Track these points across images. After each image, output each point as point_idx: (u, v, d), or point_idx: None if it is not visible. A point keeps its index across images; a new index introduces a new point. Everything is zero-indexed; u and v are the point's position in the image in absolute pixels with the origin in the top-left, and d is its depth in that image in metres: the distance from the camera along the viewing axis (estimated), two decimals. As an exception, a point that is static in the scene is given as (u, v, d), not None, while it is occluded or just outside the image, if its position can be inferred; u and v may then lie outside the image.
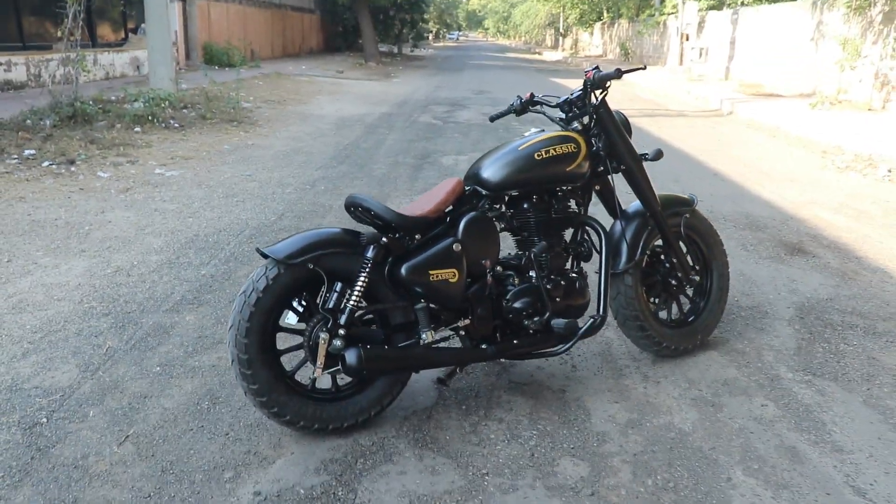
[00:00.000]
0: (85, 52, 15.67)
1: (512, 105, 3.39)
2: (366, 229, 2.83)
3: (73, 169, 7.36)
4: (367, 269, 2.70)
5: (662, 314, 3.58)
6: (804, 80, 16.52)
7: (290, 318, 2.80)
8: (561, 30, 51.10)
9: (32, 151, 7.77)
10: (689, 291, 3.60)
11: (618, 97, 16.02)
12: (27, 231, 5.42)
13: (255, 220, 5.90)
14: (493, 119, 3.51)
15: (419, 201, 2.97)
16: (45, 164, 7.42)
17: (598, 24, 40.73)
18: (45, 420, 2.95)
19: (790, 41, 17.28)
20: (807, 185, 7.79)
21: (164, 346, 3.65)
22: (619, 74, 2.99)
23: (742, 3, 22.39)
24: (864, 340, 3.80)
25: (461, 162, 8.57)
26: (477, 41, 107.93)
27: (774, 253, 5.34)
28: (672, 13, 25.25)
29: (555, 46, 54.85)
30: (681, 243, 3.48)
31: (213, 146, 9.19)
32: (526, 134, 3.18)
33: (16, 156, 7.59)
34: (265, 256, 2.68)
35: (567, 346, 3.03)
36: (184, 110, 11.43)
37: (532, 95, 3.34)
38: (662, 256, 3.47)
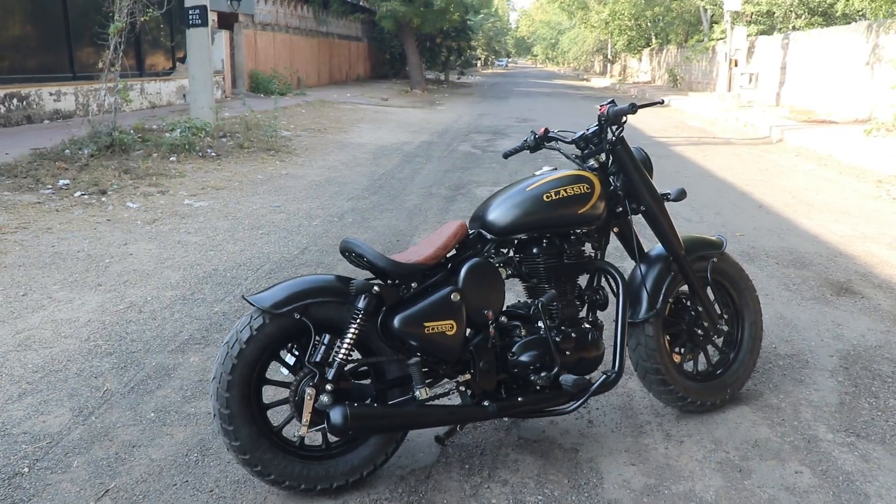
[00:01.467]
0: (131, 82, 16.09)
1: (525, 141, 3.19)
2: (365, 275, 2.66)
3: (103, 199, 7.37)
4: (358, 321, 2.51)
5: (689, 365, 3.32)
6: (859, 105, 15.97)
7: (283, 370, 2.63)
8: (609, 56, 50.76)
9: (67, 181, 7.82)
10: (718, 341, 3.32)
11: (663, 125, 15.70)
12: (48, 263, 5.38)
13: (278, 253, 5.78)
14: (506, 156, 3.31)
15: (419, 246, 2.78)
16: (77, 194, 7.44)
17: (646, 51, 40.35)
18: (26, 470, 2.81)
19: (844, 66, 16.76)
20: (858, 217, 7.39)
21: (163, 389, 3.50)
22: (633, 110, 2.77)
23: (793, 28, 21.92)
24: (916, 395, 3.48)
25: (495, 192, 8.36)
26: (525, 68, 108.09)
27: (819, 293, 5.01)
28: (721, 38, 24.80)
29: (603, 73, 54.52)
30: (709, 289, 3.21)
31: (247, 176, 9.16)
32: (537, 173, 2.97)
33: (50, 186, 7.64)
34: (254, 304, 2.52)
35: (577, 404, 2.79)
36: (222, 139, 11.49)
37: (546, 131, 3.14)
38: (688, 303, 3.21)
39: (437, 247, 2.65)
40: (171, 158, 9.69)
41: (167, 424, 3.17)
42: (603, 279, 3.02)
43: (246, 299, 2.53)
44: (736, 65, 21.74)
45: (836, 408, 3.34)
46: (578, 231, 2.91)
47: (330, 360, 2.52)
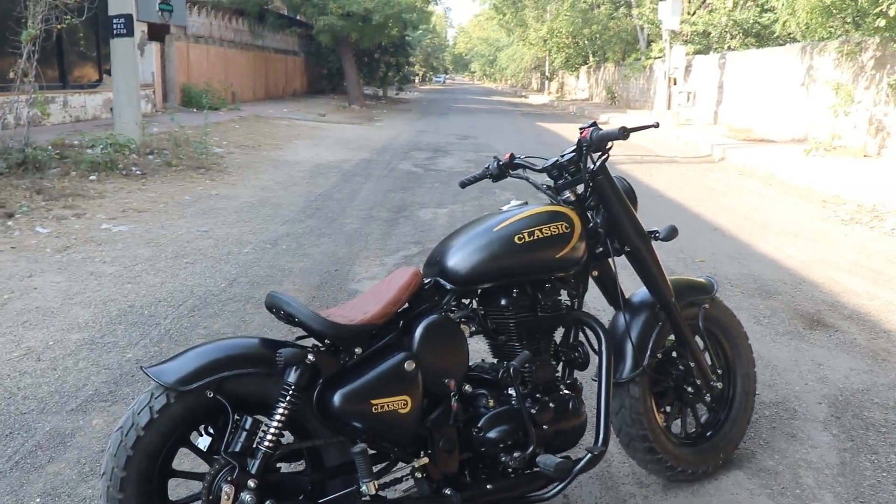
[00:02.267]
0: (53, 94, 15.18)
1: (487, 168, 2.74)
2: (297, 332, 2.15)
3: (9, 223, 6.64)
4: (288, 398, 2.01)
5: (674, 424, 2.90)
6: (795, 125, 16.09)
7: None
8: (547, 73, 51.02)
9: (-33, 204, 7.06)
10: (708, 398, 2.90)
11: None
12: (-67, 301, 4.70)
13: (203, 286, 5.19)
14: (463, 185, 2.86)
15: (365, 297, 2.29)
16: (-22, 218, 6.71)
17: (584, 68, 40.57)
18: None
19: (780, 86, 16.90)
20: (812, 239, 7.18)
21: (56, 463, 2.92)
22: (624, 134, 2.32)
23: (728, 48, 22.14)
24: (917, 450, 3.13)
25: (440, 216, 7.91)
26: (463, 84, 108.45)
27: (792, 327, 4.68)
28: (659, 57, 24.97)
29: (541, 90, 54.78)
30: (698, 339, 2.80)
31: (174, 196, 8.50)
32: (504, 208, 2.51)
33: (-54, 209, 6.89)
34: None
35: (559, 488, 2.32)
36: (149, 156, 10.76)
37: (512, 157, 2.69)
38: (675, 356, 2.79)
39: (385, 301, 2.16)
40: (91, 177, 8.95)
41: (56, 513, 2.60)
42: (582, 332, 2.57)
43: (145, 372, 2.00)
44: (675, 83, 21.89)
45: (837, 469, 2.96)
46: (554, 278, 2.45)
47: (253, 447, 2.01)
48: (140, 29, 19.32)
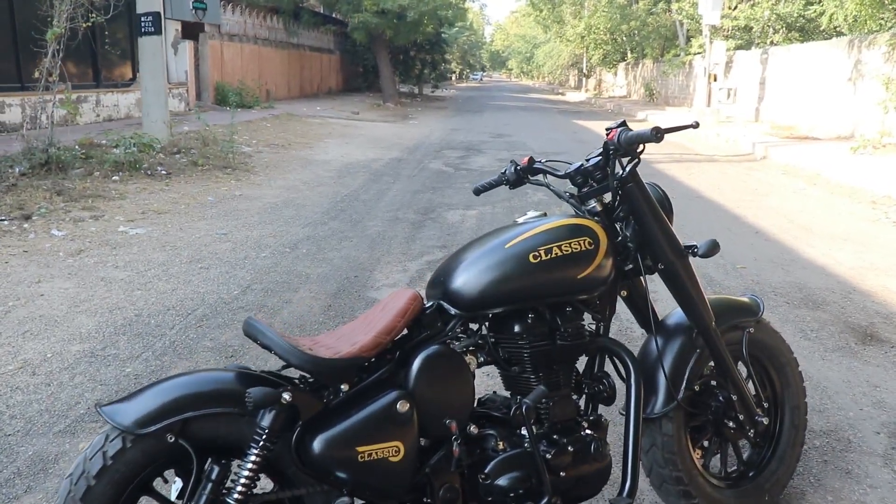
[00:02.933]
0: (85, 93, 15.20)
1: (503, 174, 2.44)
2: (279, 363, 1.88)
3: (25, 226, 6.50)
4: (262, 444, 1.73)
5: (713, 460, 2.57)
6: (841, 121, 15.49)
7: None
8: (584, 70, 50.36)
9: (-14, 205, 6.94)
10: (751, 433, 2.56)
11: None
12: (-64, 308, 4.54)
13: (214, 294, 4.97)
14: (477, 192, 2.56)
15: (356, 324, 2.01)
16: (-3, 219, 6.58)
17: (621, 65, 39.91)
18: None
19: (825, 81, 16.30)
20: (862, 244, 6.75)
21: (33, 493, 2.69)
22: (658, 136, 1.99)
23: (772, 43, 21.49)
24: None
25: (468, 218, 7.61)
26: (500, 82, 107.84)
27: (843, 341, 4.31)
28: (699, 53, 24.34)
29: (578, 87, 54.10)
30: (741, 366, 2.47)
31: (196, 197, 8.33)
32: (520, 219, 2.21)
33: (-35, 210, 6.77)
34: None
35: (577, 546, 2.03)
36: (176, 155, 10.63)
37: (531, 161, 2.39)
38: (714, 384, 2.46)
39: (378, 330, 1.87)
40: (115, 178, 8.83)
41: (26, 552, 2.36)
42: (608, 362, 2.26)
43: (99, 411, 1.74)
44: (715, 79, 21.27)
45: (901, 515, 2.61)
46: (576, 300, 2.14)
47: (221, 498, 1.74)
48: (174, 27, 19.33)
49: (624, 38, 36.39)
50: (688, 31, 27.81)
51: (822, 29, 17.94)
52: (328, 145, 14.19)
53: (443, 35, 35.87)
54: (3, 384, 3.56)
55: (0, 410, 3.30)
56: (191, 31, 20.90)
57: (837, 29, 16.86)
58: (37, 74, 9.12)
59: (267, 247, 6.24)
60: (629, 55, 37.60)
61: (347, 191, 9.22)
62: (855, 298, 5.14)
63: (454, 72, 71.32)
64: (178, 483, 1.84)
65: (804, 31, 21.92)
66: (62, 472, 2.82)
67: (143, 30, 11.50)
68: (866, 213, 8.30)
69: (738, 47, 22.84)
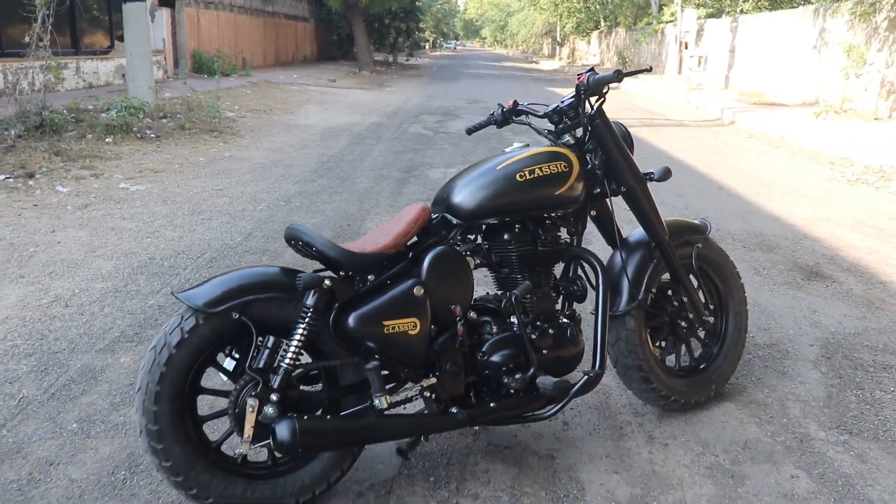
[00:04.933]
0: (66, 60, 15.27)
1: (492, 115, 2.88)
2: (315, 265, 2.32)
3: (30, 183, 6.83)
4: (307, 320, 2.18)
5: (669, 358, 3.07)
6: (807, 88, 16.06)
7: (221, 376, 2.28)
8: (558, 39, 50.67)
9: (-11, 164, 7.24)
10: (701, 333, 3.06)
11: (614, 106, 15.50)
12: (-37, 254, 4.90)
13: (219, 240, 5.38)
14: (469, 132, 3.00)
15: (376, 233, 2.45)
16: (1, 177, 6.89)
17: (595, 33, 40.29)
18: (-78, 497, 2.42)
19: (791, 49, 16.84)
20: (817, 199, 7.29)
21: (89, 395, 3.12)
22: (618, 77, 2.46)
23: (741, 11, 21.98)
24: (903, 386, 3.29)
25: (449, 175, 8.04)
26: (474, 50, 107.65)
27: (790, 278, 4.83)
28: (670, 21, 24.81)
29: (552, 55, 54.42)
30: (692, 277, 2.95)
31: (188, 158, 8.67)
32: (507, 150, 2.66)
33: (-31, 169, 7.07)
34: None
35: (557, 408, 2.50)
36: (163, 120, 10.91)
37: (515, 104, 2.83)
38: (670, 293, 2.95)
39: (396, 234, 2.33)
40: (107, 140, 9.12)
41: (91, 437, 2.80)
42: (581, 268, 2.74)
43: (175, 296, 2.17)
44: (686, 47, 21.78)
45: (823, 402, 3.13)
46: (554, 215, 2.61)
47: (275, 365, 2.19)
48: (151, -5, 19.38)
49: (597, 7, 36.77)
50: (660, -1, 28.23)
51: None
52: (308, 111, 14.49)
53: (417, 3, 35.97)
54: (41, 314, 3.96)
55: (44, 334, 3.71)
56: (167, -2, 20.93)
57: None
58: (26, 39, 9.34)
59: (262, 201, 6.64)
60: (602, 23, 37.97)
61: (332, 152, 9.60)
62: (805, 243, 5.67)
63: (428, 40, 71.15)
64: (230, 361, 2.28)
65: (773, -1, 22.45)
66: (110, 379, 3.24)
67: (127, -4, 11.70)
68: (825, 172, 8.85)
69: (710, 15, 23.30)
